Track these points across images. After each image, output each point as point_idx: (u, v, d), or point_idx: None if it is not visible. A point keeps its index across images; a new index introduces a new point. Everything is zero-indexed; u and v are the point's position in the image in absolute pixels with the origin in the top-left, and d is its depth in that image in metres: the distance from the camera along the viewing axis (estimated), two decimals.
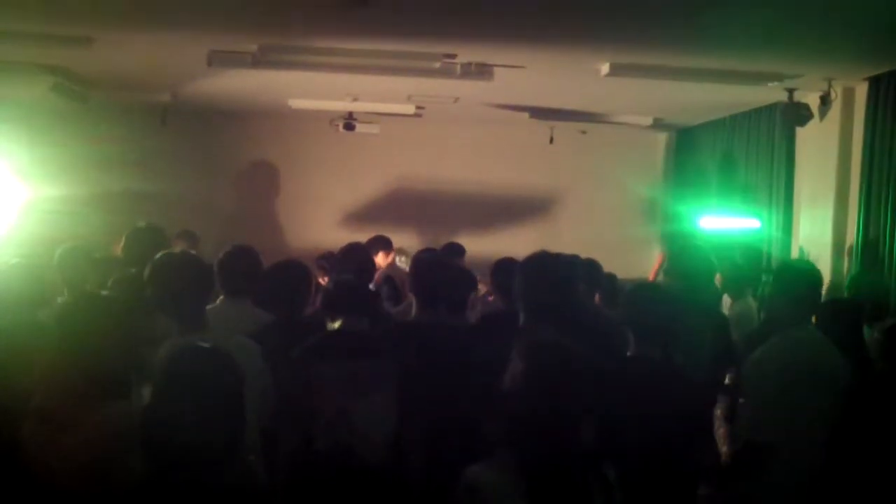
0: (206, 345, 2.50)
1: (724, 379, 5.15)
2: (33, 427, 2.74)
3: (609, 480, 2.63)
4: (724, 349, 4.92)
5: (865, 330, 4.86)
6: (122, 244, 4.45)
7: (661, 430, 3.39)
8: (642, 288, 4.15)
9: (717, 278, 5.95)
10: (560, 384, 2.58)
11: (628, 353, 3.79)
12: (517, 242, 8.32)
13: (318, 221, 10.21)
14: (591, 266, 5.60)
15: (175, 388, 2.32)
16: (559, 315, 3.80)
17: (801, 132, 7.56)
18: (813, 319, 4.35)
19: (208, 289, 3.87)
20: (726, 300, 6.62)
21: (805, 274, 4.23)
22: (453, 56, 6.57)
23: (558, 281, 3.95)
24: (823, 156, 7.29)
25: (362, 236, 6.00)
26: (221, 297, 4.36)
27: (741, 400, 4.70)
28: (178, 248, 5.56)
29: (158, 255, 3.89)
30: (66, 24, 5.93)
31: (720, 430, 5.26)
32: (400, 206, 10.42)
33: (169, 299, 3.64)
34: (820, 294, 4.35)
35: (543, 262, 4.03)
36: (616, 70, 6.61)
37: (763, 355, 4.02)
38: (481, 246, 7.91)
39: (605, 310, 5.50)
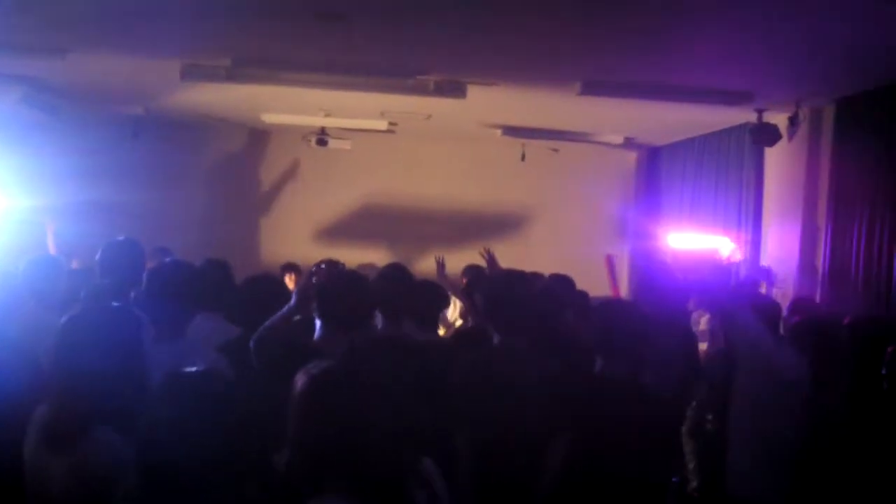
0: (195, 370, 2.40)
1: (692, 396, 5.18)
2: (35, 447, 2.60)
3: (426, 477, 2.48)
4: (692, 366, 4.96)
5: None
6: (98, 256, 4.40)
7: (628, 449, 3.41)
8: (610, 306, 4.17)
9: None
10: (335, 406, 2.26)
11: (596, 372, 3.81)
12: None
13: (291, 236, 10.18)
14: (564, 283, 5.61)
15: (173, 415, 2.22)
16: (531, 332, 3.81)
17: (769, 152, 7.65)
18: None
19: (195, 299, 3.80)
20: (697, 316, 6.67)
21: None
22: (427, 73, 6.60)
23: (525, 299, 3.95)
24: (791, 176, 7.39)
25: (335, 251, 5.99)
26: None
27: (709, 416, 4.76)
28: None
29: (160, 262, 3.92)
30: (40, 35, 5.90)
31: (687, 447, 5.29)
32: (372, 221, 10.41)
33: (158, 304, 3.54)
34: (778, 323, 4.46)
35: (508, 281, 4.02)
36: (588, 88, 6.67)
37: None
38: (453, 263, 7.90)
39: (578, 327, 5.52)
